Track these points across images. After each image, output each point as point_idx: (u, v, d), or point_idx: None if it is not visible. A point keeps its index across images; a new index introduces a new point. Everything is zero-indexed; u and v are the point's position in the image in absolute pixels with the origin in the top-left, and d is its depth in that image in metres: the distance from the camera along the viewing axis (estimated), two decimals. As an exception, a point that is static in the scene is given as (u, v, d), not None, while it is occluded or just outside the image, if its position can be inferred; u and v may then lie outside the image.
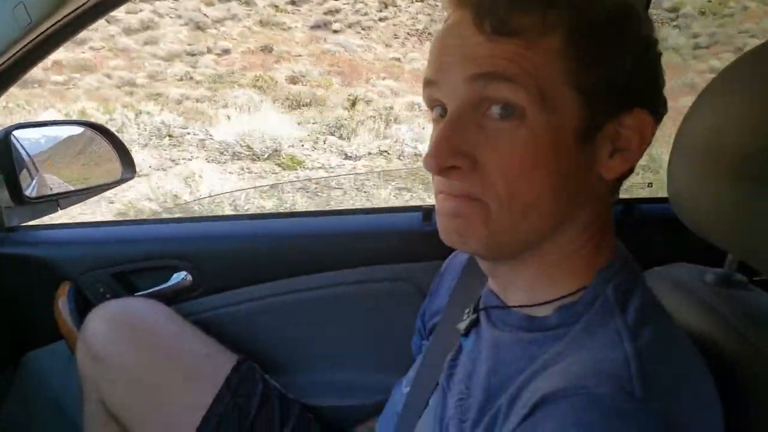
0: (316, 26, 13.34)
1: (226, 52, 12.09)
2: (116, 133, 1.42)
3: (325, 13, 13.74)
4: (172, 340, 1.03)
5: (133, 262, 1.16)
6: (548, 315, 0.53)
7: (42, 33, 0.95)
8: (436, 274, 0.82)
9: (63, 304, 1.13)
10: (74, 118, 7.90)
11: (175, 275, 1.16)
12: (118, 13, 13.54)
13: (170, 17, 13.65)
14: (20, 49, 0.95)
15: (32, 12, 0.91)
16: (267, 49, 12.30)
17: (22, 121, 1.57)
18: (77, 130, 1.52)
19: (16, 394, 1.19)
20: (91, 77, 11.07)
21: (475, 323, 0.63)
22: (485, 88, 0.47)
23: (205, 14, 13.48)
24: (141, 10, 13.71)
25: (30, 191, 1.27)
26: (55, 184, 1.43)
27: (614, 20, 0.49)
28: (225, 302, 1.16)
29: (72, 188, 1.41)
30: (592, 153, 0.50)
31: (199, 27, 13.18)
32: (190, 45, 12.39)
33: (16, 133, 1.23)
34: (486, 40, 0.47)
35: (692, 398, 0.46)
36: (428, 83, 0.52)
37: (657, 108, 0.52)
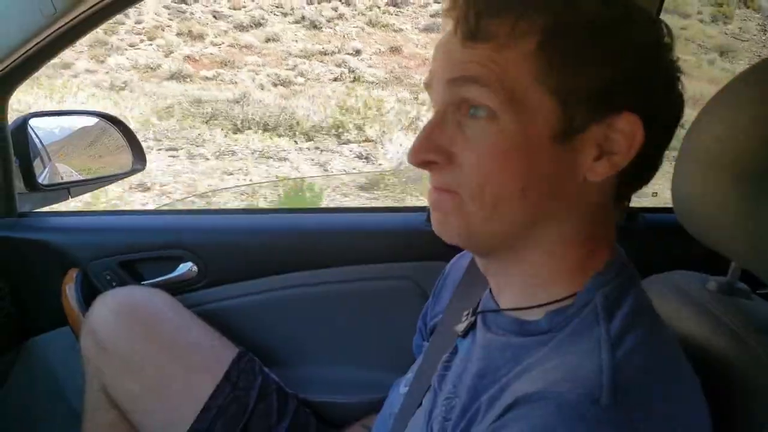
0: (427, 29, 13.21)
1: (358, 52, 12.09)
2: (129, 125, 1.44)
3: (432, 16, 13.70)
4: (176, 330, 1.05)
5: (140, 251, 1.18)
6: (539, 319, 0.54)
7: (66, 23, 0.97)
8: (440, 275, 0.82)
9: (70, 290, 1.14)
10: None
11: (180, 266, 1.17)
12: (224, 9, 13.70)
13: (275, 14, 13.71)
14: (44, 38, 0.98)
15: (57, 2, 0.93)
16: (396, 51, 12.24)
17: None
18: (91, 120, 1.55)
19: (18, 378, 1.20)
20: (238, 73, 11.12)
21: (473, 326, 0.64)
22: (461, 91, 0.51)
23: (321, 13, 13.53)
24: (244, 6, 13.82)
25: (42, 178, 1.29)
26: (67, 172, 1.45)
27: (596, 24, 0.49)
28: (229, 294, 1.18)
29: (83, 177, 1.44)
30: (573, 155, 0.50)
31: (315, 26, 13.22)
32: (318, 44, 12.38)
33: (32, 121, 1.26)
34: (462, 46, 0.50)
35: (670, 409, 0.47)
36: (425, 86, 0.56)
37: (655, 113, 0.51)
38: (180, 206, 5.06)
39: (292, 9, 13.79)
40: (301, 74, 11.17)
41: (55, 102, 8.14)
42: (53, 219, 1.25)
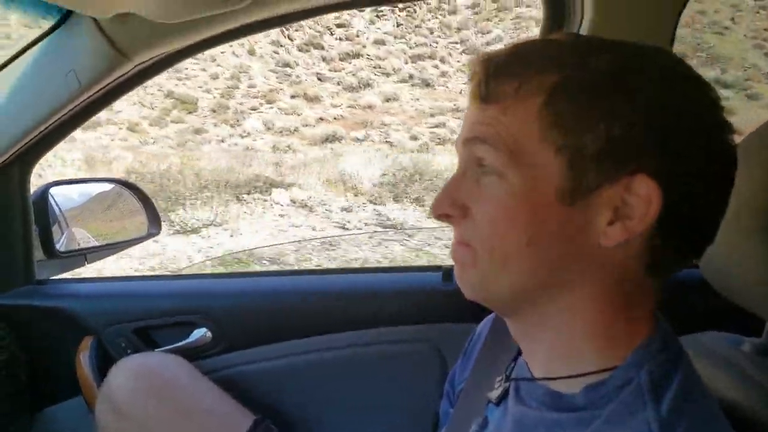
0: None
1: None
2: (144, 190, 1.47)
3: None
4: (192, 397, 1.03)
5: (154, 317, 1.18)
6: (575, 393, 0.52)
7: (89, 96, 1.01)
8: (470, 336, 0.80)
9: (85, 359, 1.13)
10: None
11: (195, 331, 1.16)
12: (325, 71, 14.11)
13: (377, 75, 14.09)
14: (68, 111, 1.01)
15: (82, 78, 0.97)
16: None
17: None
18: (107, 186, 1.58)
19: None
20: (381, 133, 11.32)
21: (506, 394, 0.61)
22: (473, 150, 0.53)
23: (425, 71, 13.85)
24: (343, 68, 14.23)
25: (60, 245, 1.31)
26: (84, 238, 1.47)
27: (604, 82, 0.48)
28: (243, 360, 1.16)
29: (99, 243, 1.46)
30: (585, 216, 0.49)
31: (427, 84, 13.54)
32: (440, 101, 12.62)
33: (52, 190, 1.29)
34: (475, 107, 0.53)
35: None
36: (455, 146, 0.59)
37: (684, 178, 0.48)
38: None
39: (394, 69, 14.13)
40: (454, 131, 11.47)
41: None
42: (69, 286, 1.25)
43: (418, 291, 1.17)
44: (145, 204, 1.41)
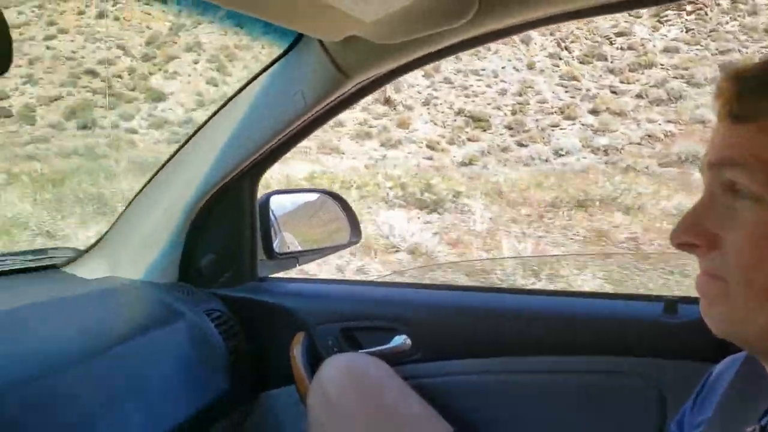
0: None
1: None
2: (347, 201, 1.58)
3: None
4: (396, 400, 1.07)
5: (360, 319, 1.24)
6: None
7: (312, 115, 1.11)
8: (704, 377, 0.72)
9: (297, 352, 1.24)
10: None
11: (396, 337, 1.21)
12: (615, 83, 13.63)
13: (687, 86, 13.42)
14: (294, 128, 1.12)
15: (308, 97, 1.07)
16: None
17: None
18: (314, 196, 1.74)
19: (252, 428, 1.31)
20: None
21: None
22: (722, 173, 0.49)
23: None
24: (637, 80, 13.95)
25: (275, 247, 1.46)
26: (292, 243, 1.62)
27: None
28: (440, 371, 1.17)
29: (306, 248, 1.60)
30: None
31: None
32: None
33: (272, 198, 1.44)
34: (723, 127, 0.50)
35: None
36: (700, 171, 0.54)
37: None
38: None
39: (706, 79, 13.28)
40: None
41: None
42: (286, 284, 1.38)
43: (634, 322, 1.07)
44: (348, 213, 1.52)
